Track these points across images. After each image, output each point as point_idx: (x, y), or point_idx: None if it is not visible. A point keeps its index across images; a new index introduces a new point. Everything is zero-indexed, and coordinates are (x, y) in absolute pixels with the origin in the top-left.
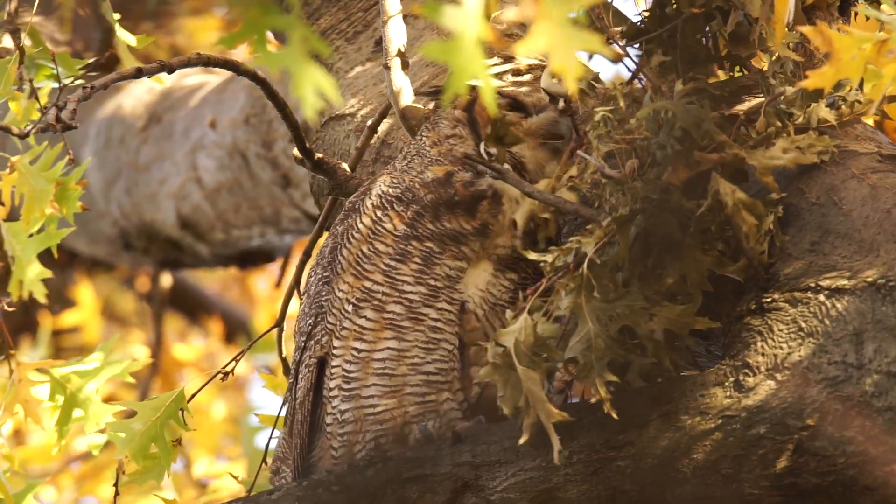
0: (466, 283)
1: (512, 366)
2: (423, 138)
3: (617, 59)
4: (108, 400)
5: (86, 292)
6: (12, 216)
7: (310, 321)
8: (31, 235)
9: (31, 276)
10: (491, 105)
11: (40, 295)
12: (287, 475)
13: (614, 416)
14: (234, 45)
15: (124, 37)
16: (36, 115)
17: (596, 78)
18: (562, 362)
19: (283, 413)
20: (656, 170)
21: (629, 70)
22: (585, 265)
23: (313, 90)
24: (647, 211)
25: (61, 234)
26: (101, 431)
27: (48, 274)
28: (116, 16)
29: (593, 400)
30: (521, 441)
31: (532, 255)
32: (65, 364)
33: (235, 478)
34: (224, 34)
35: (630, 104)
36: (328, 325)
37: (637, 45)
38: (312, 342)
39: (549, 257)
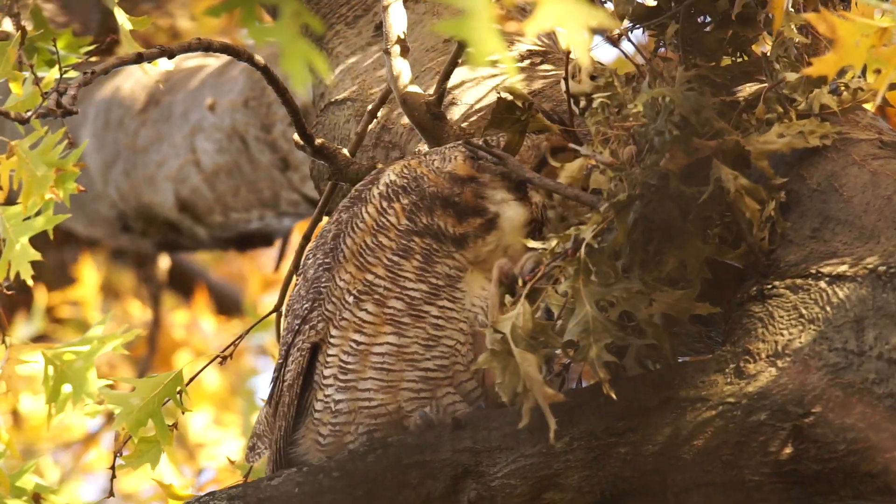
0: (470, 283)
1: (510, 352)
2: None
3: (616, 43)
4: (106, 377)
5: (87, 270)
6: (10, 200)
7: (306, 305)
8: (26, 219)
9: (19, 257)
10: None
11: (27, 275)
12: (262, 452)
13: (613, 396)
14: (220, 14)
15: (123, 21)
16: (37, 101)
17: (614, 74)
18: (560, 347)
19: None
20: (654, 156)
21: (626, 56)
22: (583, 250)
23: (303, 65)
24: (646, 197)
25: (57, 220)
26: (100, 402)
27: (37, 256)
28: None
29: (592, 382)
30: (521, 425)
31: (532, 244)
32: (60, 347)
33: (232, 462)
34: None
35: (628, 90)
36: (326, 312)
37: (646, 27)
38: (307, 327)
39: (548, 245)
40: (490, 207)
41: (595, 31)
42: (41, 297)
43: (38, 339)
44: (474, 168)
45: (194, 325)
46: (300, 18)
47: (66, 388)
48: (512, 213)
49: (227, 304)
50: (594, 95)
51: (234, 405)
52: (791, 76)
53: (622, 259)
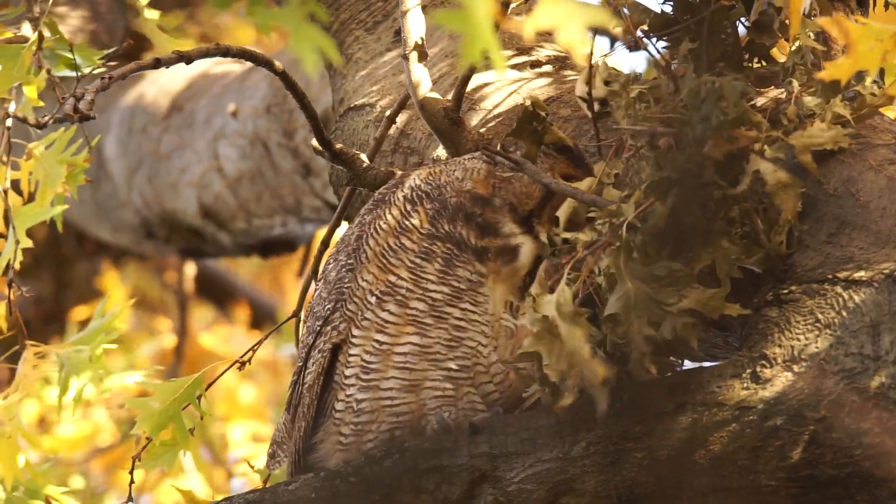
0: (492, 288)
1: (554, 333)
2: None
3: (634, 49)
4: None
5: (113, 282)
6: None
7: (328, 306)
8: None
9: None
10: (500, 66)
11: (16, 262)
12: (282, 459)
13: (654, 371)
14: (228, 6)
15: (151, 16)
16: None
17: (632, 77)
18: (593, 335)
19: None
20: (697, 144)
21: (659, 54)
22: (625, 228)
23: (312, 47)
24: (683, 182)
25: (57, 210)
26: (120, 406)
27: (28, 243)
28: None
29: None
30: (565, 403)
31: (565, 234)
32: (67, 343)
33: (252, 467)
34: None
35: (666, 83)
36: (348, 313)
37: (662, 36)
38: (329, 328)
39: (581, 236)
40: (507, 234)
41: (604, 34)
42: (75, 312)
43: None
44: (493, 186)
45: (229, 339)
46: (307, 6)
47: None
48: (524, 248)
49: (261, 317)
50: (632, 87)
51: (269, 417)
52: (809, 101)
53: (656, 245)
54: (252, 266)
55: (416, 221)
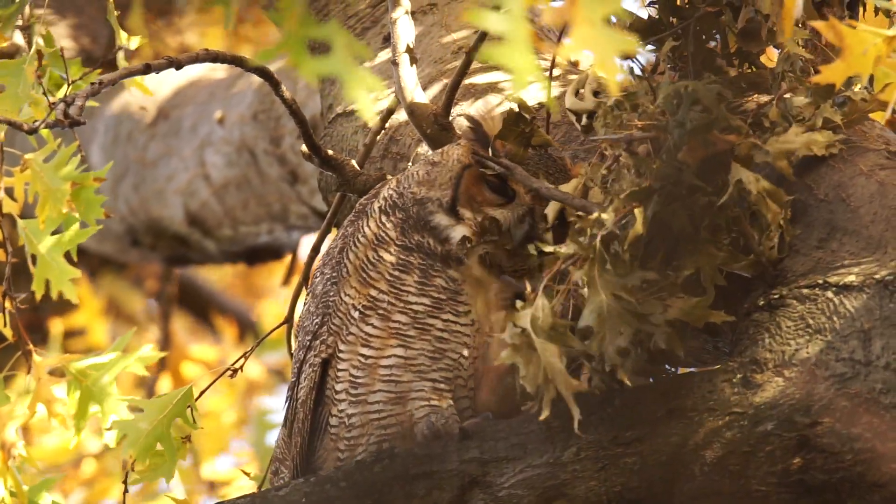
0: (472, 296)
1: (531, 345)
2: (433, 161)
3: (625, 57)
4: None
5: (86, 293)
6: (26, 213)
7: (316, 320)
8: (52, 234)
9: (61, 277)
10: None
11: (72, 295)
12: (285, 475)
13: (628, 382)
14: (272, 57)
15: (121, 40)
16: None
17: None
18: (575, 345)
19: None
20: (673, 149)
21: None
22: (599, 238)
23: (367, 93)
24: (664, 190)
25: (86, 234)
26: (108, 429)
27: (77, 274)
28: (115, 15)
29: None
30: (542, 417)
31: (548, 248)
32: (80, 358)
33: (248, 474)
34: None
35: (646, 91)
36: (333, 327)
37: (648, 42)
38: (318, 342)
39: (563, 249)
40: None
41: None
42: (56, 324)
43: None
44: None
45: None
46: (352, 49)
47: (93, 408)
48: (454, 233)
49: (243, 327)
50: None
51: (245, 436)
52: (799, 100)
53: (637, 253)
54: (225, 275)
55: (392, 233)
